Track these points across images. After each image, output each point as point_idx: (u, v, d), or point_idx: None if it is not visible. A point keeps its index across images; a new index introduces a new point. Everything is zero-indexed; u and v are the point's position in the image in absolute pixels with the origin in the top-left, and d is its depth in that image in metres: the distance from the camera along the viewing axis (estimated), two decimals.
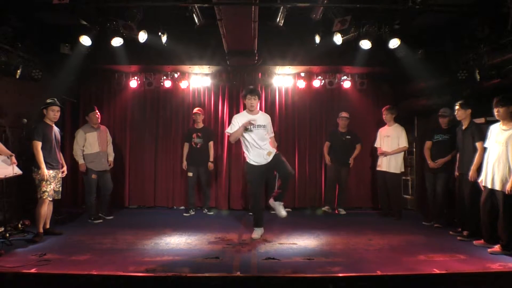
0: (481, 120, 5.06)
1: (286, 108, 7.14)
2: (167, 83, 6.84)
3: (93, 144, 5.78)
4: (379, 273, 3.48)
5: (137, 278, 3.41)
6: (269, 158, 4.71)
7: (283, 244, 4.60)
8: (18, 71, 5.02)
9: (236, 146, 6.97)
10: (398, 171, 6.16)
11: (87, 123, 5.90)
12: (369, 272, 3.56)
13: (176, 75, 6.89)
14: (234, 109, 7.06)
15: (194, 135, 6.44)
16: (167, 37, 5.66)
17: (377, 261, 3.92)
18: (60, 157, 5.04)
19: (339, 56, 6.13)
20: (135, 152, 7.11)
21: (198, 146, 6.41)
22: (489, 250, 4.23)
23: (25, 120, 5.37)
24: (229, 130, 4.76)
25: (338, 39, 5.35)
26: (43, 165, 4.64)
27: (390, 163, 6.14)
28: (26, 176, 4.74)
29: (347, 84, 6.88)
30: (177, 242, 4.65)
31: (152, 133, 7.13)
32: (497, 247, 4.19)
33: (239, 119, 4.71)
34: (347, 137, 6.61)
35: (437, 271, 3.54)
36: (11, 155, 4.41)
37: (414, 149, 6.96)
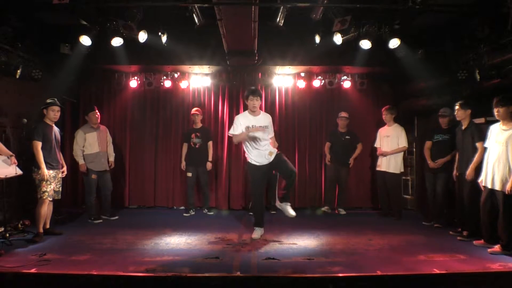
0: (481, 120, 5.06)
1: (286, 108, 7.14)
2: (167, 83, 6.84)
3: (93, 144, 5.78)
4: (379, 273, 3.49)
5: (137, 278, 3.41)
6: (271, 158, 4.71)
7: (283, 244, 4.60)
8: (18, 71, 5.02)
9: (236, 146, 6.97)
10: (397, 171, 6.16)
11: (87, 123, 5.90)
12: (369, 272, 3.56)
13: (176, 75, 6.90)
14: (234, 109, 7.07)
15: (193, 135, 6.43)
16: (167, 37, 5.66)
17: (377, 261, 3.92)
18: (60, 157, 5.04)
19: (339, 56, 6.12)
20: (135, 152, 7.11)
21: (197, 146, 6.41)
22: (489, 250, 4.23)
23: (25, 120, 5.38)
24: (231, 131, 4.73)
25: (338, 39, 5.35)
26: (43, 165, 4.64)
27: (390, 163, 6.14)
28: (26, 176, 4.75)
29: (347, 84, 6.88)
30: (177, 242, 4.65)
31: (152, 133, 7.13)
32: (497, 247, 4.19)
33: (242, 120, 4.69)
34: (347, 137, 6.61)
35: (437, 271, 3.54)
36: (11, 155, 4.42)
37: (414, 149, 6.96)
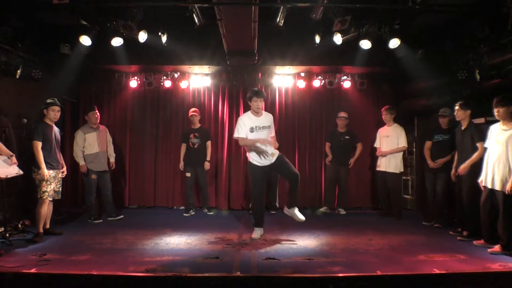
0: (481, 120, 5.06)
1: (286, 108, 7.14)
2: (167, 83, 6.84)
3: (93, 144, 5.77)
4: (379, 273, 3.49)
5: (137, 278, 3.41)
6: (273, 159, 4.71)
7: (283, 244, 4.60)
8: (18, 71, 5.02)
9: (236, 146, 6.98)
10: (397, 171, 6.16)
11: (87, 123, 5.90)
12: (369, 272, 3.56)
13: (176, 75, 6.89)
14: (234, 109, 7.07)
15: (192, 136, 6.43)
16: (167, 37, 5.66)
17: (377, 261, 3.92)
18: (60, 157, 5.04)
19: (339, 56, 6.12)
20: (135, 152, 7.11)
21: (195, 147, 6.41)
22: (489, 250, 4.23)
23: (25, 120, 5.38)
24: (236, 134, 4.69)
25: (338, 39, 5.35)
26: (43, 165, 4.64)
27: (390, 163, 6.14)
28: (26, 176, 4.75)
29: (347, 84, 6.88)
30: (177, 242, 4.65)
31: (152, 133, 7.13)
32: (497, 247, 4.19)
33: (246, 121, 4.68)
34: (346, 137, 6.61)
35: (437, 271, 3.54)
36: (11, 155, 4.42)
37: (414, 149, 6.96)
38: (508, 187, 4.04)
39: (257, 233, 4.84)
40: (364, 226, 5.57)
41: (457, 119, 5.01)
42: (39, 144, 4.67)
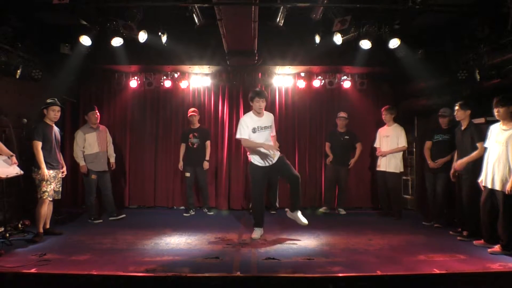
0: (481, 120, 5.06)
1: (286, 108, 7.14)
2: (167, 83, 6.84)
3: (93, 144, 5.77)
4: (379, 273, 3.49)
5: (137, 278, 3.41)
6: (274, 160, 4.71)
7: (283, 244, 4.60)
8: (18, 71, 5.02)
9: (236, 147, 6.98)
10: (397, 171, 6.16)
11: (86, 123, 5.90)
12: (369, 272, 3.56)
13: (176, 75, 6.89)
14: (234, 109, 7.07)
15: (191, 135, 6.43)
16: (167, 37, 5.66)
17: (377, 261, 3.92)
18: (60, 157, 5.04)
19: (339, 56, 6.12)
20: (135, 152, 7.11)
21: (195, 146, 6.41)
22: (489, 250, 4.23)
23: (25, 120, 5.37)
24: (239, 135, 4.68)
25: (338, 39, 5.35)
26: (43, 165, 4.64)
27: (390, 163, 6.14)
28: (26, 176, 4.75)
29: (347, 84, 6.88)
30: (177, 242, 4.65)
31: (152, 133, 7.13)
32: (497, 247, 4.19)
33: (248, 122, 4.68)
34: (346, 137, 6.61)
35: (437, 271, 3.54)
36: (11, 155, 4.42)
37: (414, 149, 6.96)
38: (508, 187, 4.04)
39: (257, 233, 4.84)
40: (364, 226, 5.57)
41: (457, 119, 5.01)
42: (39, 144, 4.67)
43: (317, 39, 5.68)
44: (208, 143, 6.49)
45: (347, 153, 6.65)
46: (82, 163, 5.71)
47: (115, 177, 6.47)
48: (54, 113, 4.86)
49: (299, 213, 4.78)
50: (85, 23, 5.03)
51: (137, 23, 5.07)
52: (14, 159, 4.43)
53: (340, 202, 6.74)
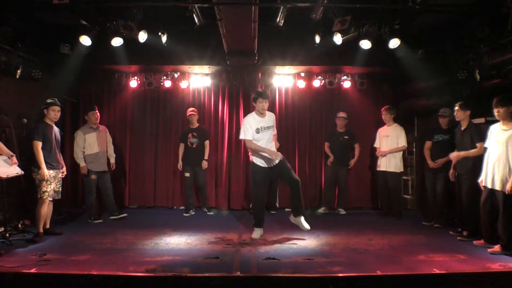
0: (481, 120, 5.06)
1: (286, 108, 7.13)
2: (167, 83, 6.84)
3: (93, 144, 5.77)
4: (379, 273, 3.48)
5: (137, 278, 3.41)
6: (276, 161, 4.71)
7: (283, 244, 4.60)
8: (18, 71, 5.02)
9: (236, 147, 6.98)
10: (398, 171, 6.16)
11: (86, 123, 5.90)
12: (369, 272, 3.56)
13: (176, 75, 6.89)
14: (234, 109, 7.07)
15: (190, 135, 6.42)
16: (167, 37, 5.66)
17: (377, 261, 3.92)
18: (60, 157, 5.03)
19: (339, 56, 6.12)
20: (135, 152, 7.11)
21: (194, 146, 6.40)
22: (489, 250, 4.23)
23: (25, 120, 5.37)
24: (243, 136, 4.68)
25: (338, 39, 5.35)
26: (43, 165, 4.64)
27: (390, 163, 6.14)
28: (27, 176, 4.75)
29: (347, 84, 6.88)
30: (177, 242, 4.65)
31: (152, 133, 7.13)
32: (497, 247, 4.19)
33: (252, 123, 4.68)
34: (345, 137, 6.61)
35: (437, 271, 3.54)
36: (12, 156, 4.42)
37: (414, 149, 6.95)
38: (508, 187, 4.04)
39: (257, 233, 4.84)
40: (364, 226, 5.57)
41: (457, 119, 5.01)
42: (39, 144, 4.67)
43: (317, 39, 5.68)
44: (207, 142, 6.49)
45: (347, 153, 6.65)
46: (82, 164, 5.71)
47: (115, 177, 6.47)
48: (54, 113, 4.86)
49: (302, 219, 4.78)
50: (85, 23, 5.03)
51: (137, 23, 5.06)
52: (14, 159, 4.42)
53: (340, 202, 6.74)
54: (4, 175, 4.29)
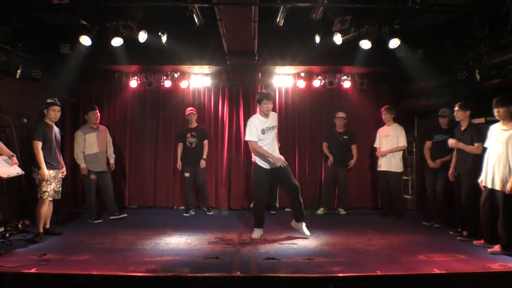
0: (481, 120, 5.07)
1: (286, 108, 7.13)
2: (167, 83, 6.84)
3: (92, 144, 5.77)
4: (379, 273, 3.49)
5: (137, 278, 3.41)
6: (278, 164, 4.70)
7: (283, 244, 4.60)
8: (18, 71, 5.02)
9: (236, 146, 6.99)
10: (398, 170, 6.16)
11: (86, 123, 5.90)
12: (369, 272, 3.56)
13: (176, 75, 6.89)
14: (234, 109, 7.07)
15: (189, 135, 6.41)
16: (167, 37, 5.66)
17: (377, 261, 3.92)
18: (60, 157, 5.03)
19: (339, 56, 6.12)
20: (135, 152, 7.11)
21: (193, 146, 6.40)
22: (489, 250, 4.23)
23: (25, 120, 5.36)
24: (249, 137, 4.68)
25: (338, 39, 5.35)
26: (43, 165, 4.64)
27: (390, 162, 6.15)
28: (27, 176, 4.74)
29: (347, 84, 6.88)
30: (177, 242, 4.65)
31: (152, 133, 7.13)
32: (497, 247, 4.19)
33: (257, 124, 4.68)
34: (344, 137, 6.60)
35: (437, 271, 3.54)
36: (12, 156, 4.42)
37: (414, 149, 6.95)
38: (508, 187, 4.04)
39: (257, 233, 4.85)
40: (364, 226, 5.57)
41: (457, 120, 5.01)
42: (39, 144, 4.67)
43: (317, 39, 5.68)
44: (206, 142, 6.48)
45: (346, 153, 6.64)
46: (82, 165, 5.71)
47: (115, 177, 6.46)
48: (54, 113, 4.86)
49: (303, 225, 4.81)
50: (85, 23, 5.03)
51: (137, 23, 5.06)
52: (14, 159, 4.43)
53: (340, 202, 6.73)
54: (4, 175, 4.29)
